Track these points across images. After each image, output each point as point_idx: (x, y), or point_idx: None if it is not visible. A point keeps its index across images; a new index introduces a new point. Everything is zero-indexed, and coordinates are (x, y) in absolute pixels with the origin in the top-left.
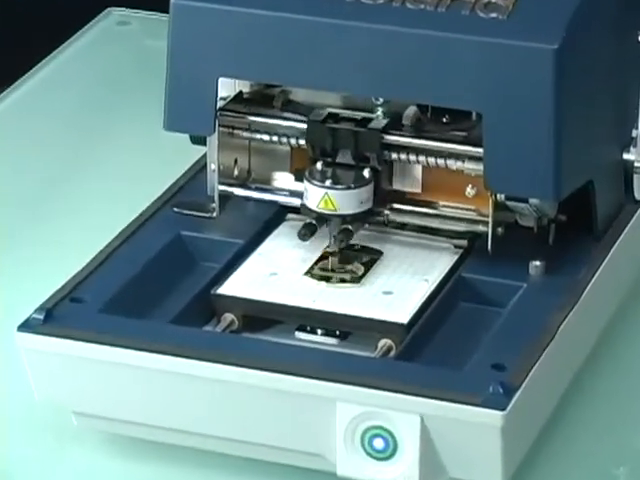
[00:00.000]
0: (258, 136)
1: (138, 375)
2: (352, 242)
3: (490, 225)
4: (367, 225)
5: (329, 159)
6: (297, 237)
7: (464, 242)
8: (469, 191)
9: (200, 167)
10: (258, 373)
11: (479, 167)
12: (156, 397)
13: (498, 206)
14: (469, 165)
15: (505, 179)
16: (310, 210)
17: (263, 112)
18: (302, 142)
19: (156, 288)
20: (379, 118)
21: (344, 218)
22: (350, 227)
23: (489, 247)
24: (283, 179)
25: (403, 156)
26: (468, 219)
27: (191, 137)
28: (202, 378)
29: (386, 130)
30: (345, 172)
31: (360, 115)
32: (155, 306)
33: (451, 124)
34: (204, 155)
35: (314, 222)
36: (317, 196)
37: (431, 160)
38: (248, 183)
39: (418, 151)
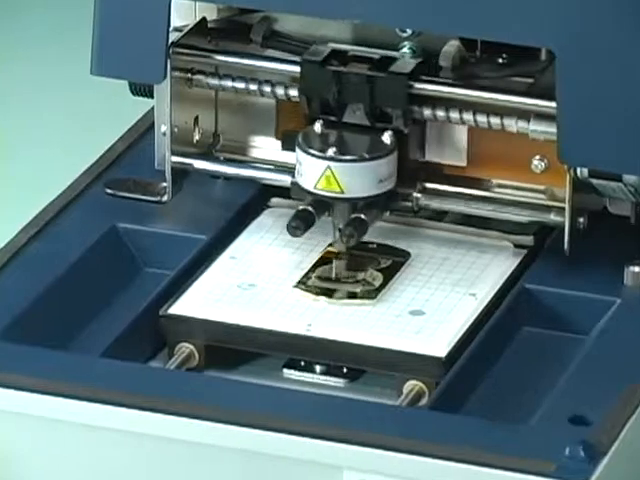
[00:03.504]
0: (229, 84)
1: (56, 430)
2: (365, 239)
3: (567, 214)
4: (387, 214)
5: (333, 118)
6: (285, 232)
7: (528, 239)
8: (536, 164)
9: (144, 129)
10: (229, 429)
11: (551, 129)
12: (81, 461)
13: (578, 186)
14: (536, 126)
15: (588, 147)
16: (305, 192)
17: (236, 49)
18: (293, 93)
19: (81, 306)
20: (406, 58)
21: (354, 203)
22: (363, 216)
23: (565, 246)
24: (265, 147)
25: (441, 113)
26: (534, 205)
27: (131, 85)
28: (146, 436)
29: (416, 75)
30: (356, 136)
31: (378, 53)
32: (79, 332)
33: (510, 67)
34: (150, 112)
35: (310, 209)
36: (315, 171)
37: (481, 119)
38: (214, 152)
39: (462, 105)
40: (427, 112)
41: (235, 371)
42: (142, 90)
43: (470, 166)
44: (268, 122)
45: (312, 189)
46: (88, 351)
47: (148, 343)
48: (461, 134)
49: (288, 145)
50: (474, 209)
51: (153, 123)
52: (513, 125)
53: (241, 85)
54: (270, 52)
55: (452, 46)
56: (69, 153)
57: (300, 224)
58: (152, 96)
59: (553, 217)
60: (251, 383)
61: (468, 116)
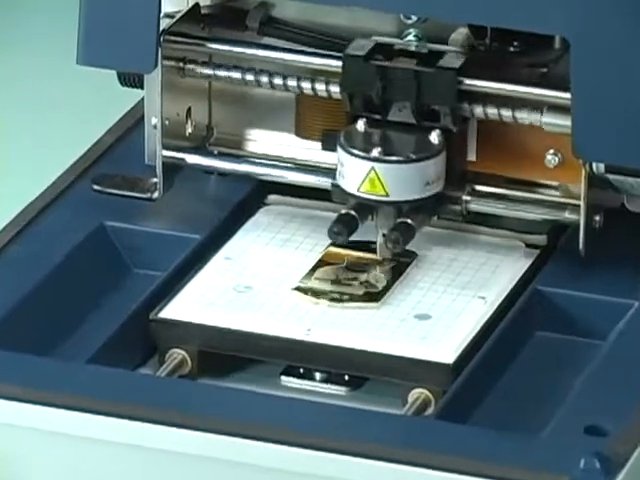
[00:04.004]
0: (223, 73)
1: (39, 441)
2: (368, 238)
3: (582, 212)
4: (436, 218)
5: (377, 116)
6: (283, 231)
7: (541, 238)
8: (550, 159)
9: (134, 122)
10: (223, 440)
11: (565, 122)
12: (65, 473)
13: (594, 182)
14: (550, 118)
15: (604, 141)
16: (348, 195)
17: (232, 36)
18: (291, 83)
19: (66, 310)
20: (452, 52)
21: (399, 207)
22: (410, 221)
23: (580, 245)
24: (260, 140)
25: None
26: (548, 202)
27: (119, 75)
28: (136, 447)
29: (464, 71)
30: (401, 136)
31: (426, 47)
32: (64, 338)
33: (521, 55)
34: (140, 103)
35: (353, 214)
36: (359, 173)
37: (490, 110)
38: (208, 146)
39: (472, 97)
40: (478, 110)
41: (230, 379)
42: (131, 80)
43: (479, 161)
44: (265, 114)
45: (355, 192)
46: (74, 358)
47: (138, 349)
48: (470, 127)
49: (329, 145)
50: (483, 206)
51: (143, 115)
52: (525, 117)
53: (236, 75)
54: (267, 40)
55: (460, 34)
56: (53, 147)
57: (342, 229)
58: (142, 87)
59: (567, 215)
60: (247, 391)
61: (478, 108)
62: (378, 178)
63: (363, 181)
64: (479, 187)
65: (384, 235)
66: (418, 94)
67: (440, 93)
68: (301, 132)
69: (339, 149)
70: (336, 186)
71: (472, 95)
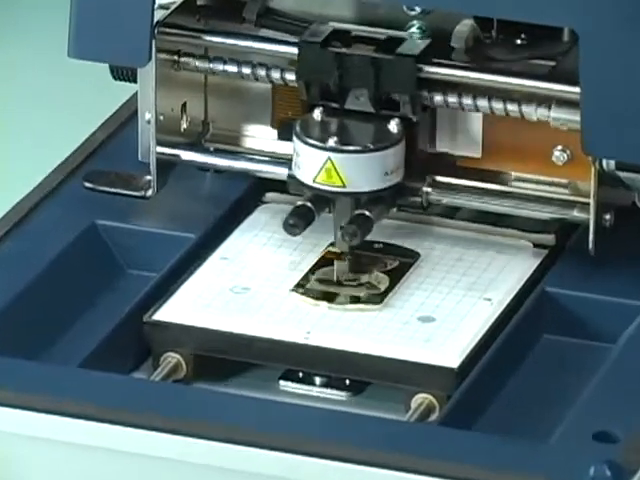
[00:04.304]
0: (220, 67)
1: (28, 447)
2: (370, 238)
3: (592, 210)
4: (394, 210)
5: (334, 104)
6: (282, 230)
7: (549, 238)
8: (558, 156)
9: (127, 117)
10: (220, 447)
11: (574, 117)
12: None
13: (604, 180)
14: (558, 113)
15: (614, 137)
16: (303, 186)
17: (228, 29)
18: (290, 77)
19: (57, 312)
20: (414, 38)
21: (357, 199)
22: (367, 213)
23: (590, 245)
24: (259, 136)
25: (453, 99)
26: (556, 201)
27: (112, 69)
28: (129, 454)
29: (426, 57)
30: (359, 125)
31: (384, 34)
32: (56, 340)
33: (529, 48)
34: (133, 98)
35: (309, 205)
36: (315, 163)
37: (497, 105)
38: (204, 142)
39: (477, 91)
40: (438, 98)
41: (226, 383)
42: (124, 74)
43: (485, 158)
44: (263, 109)
45: (311, 183)
46: (65, 361)
47: (131, 353)
48: (475, 123)
49: (285, 134)
50: (489, 205)
51: (136, 110)
52: (533, 112)
53: (233, 68)
54: (265, 32)
55: (465, 26)
56: (44, 143)
57: (298, 222)
58: (135, 81)
59: (576, 213)
60: (244, 397)
61: (483, 102)
62: (335, 168)
63: (319, 171)
64: (439, 178)
65: (341, 228)
66: (377, 82)
67: (399, 81)
68: (276, 124)
69: (295, 138)
70: (292, 177)
71: (432, 83)
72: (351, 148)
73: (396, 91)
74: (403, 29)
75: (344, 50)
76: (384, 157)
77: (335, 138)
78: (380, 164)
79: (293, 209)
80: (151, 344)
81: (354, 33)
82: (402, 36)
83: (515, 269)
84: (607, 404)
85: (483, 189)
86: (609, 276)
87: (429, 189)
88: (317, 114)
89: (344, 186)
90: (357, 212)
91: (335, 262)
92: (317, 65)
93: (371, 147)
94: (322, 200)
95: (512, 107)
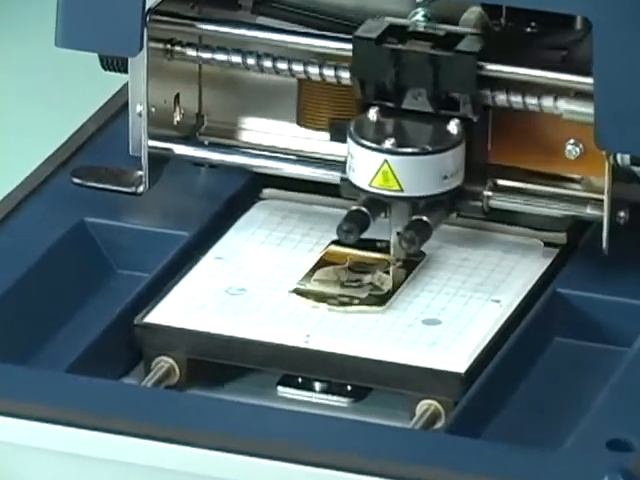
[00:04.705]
0: (214, 56)
1: (14, 455)
2: (373, 236)
3: (606, 207)
4: (454, 216)
5: (390, 104)
6: (280, 228)
7: (561, 236)
8: (570, 150)
9: (117, 109)
10: (215, 456)
11: (587, 109)
12: None
13: (619, 175)
14: (569, 105)
15: (629, 130)
16: (358, 190)
17: (223, 16)
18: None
19: (43, 313)
20: (469, 36)
21: (415, 203)
22: (426, 219)
23: (603, 244)
24: (256, 129)
25: (515, 98)
26: (568, 197)
27: (102, 58)
28: (119, 463)
29: (484, 55)
30: (417, 126)
31: (442, 29)
32: (42, 344)
33: (539, 36)
34: (123, 89)
35: (364, 210)
36: (370, 166)
37: (514, 98)
38: (198, 136)
39: (494, 84)
40: (501, 97)
41: (222, 389)
42: (115, 64)
43: (494, 152)
44: (261, 101)
45: (366, 187)
46: (52, 366)
47: (121, 357)
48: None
49: (337, 135)
50: (497, 202)
51: (127, 102)
52: (551, 105)
53: (228, 58)
54: (262, 20)
55: (473, 13)
56: (29, 137)
57: (353, 227)
58: (126, 71)
59: (589, 211)
60: (240, 403)
61: (501, 96)
62: (391, 171)
63: (375, 175)
64: (501, 181)
65: (398, 234)
66: (435, 80)
67: (459, 79)
68: (303, 121)
69: (349, 140)
70: (345, 180)
71: (494, 82)
72: (409, 150)
73: (456, 90)
74: (407, 17)
75: (400, 46)
76: (443, 160)
77: (392, 140)
78: (439, 167)
79: (348, 214)
80: (142, 348)
81: (411, 28)
82: (461, 32)
83: (525, 269)
84: (621, 410)
85: (500, 186)
86: (623, 276)
87: (490, 193)
88: (372, 114)
89: (401, 190)
90: (415, 218)
91: (391, 269)
92: (372, 62)
93: (429, 149)
94: (378, 204)
95: (530, 100)
